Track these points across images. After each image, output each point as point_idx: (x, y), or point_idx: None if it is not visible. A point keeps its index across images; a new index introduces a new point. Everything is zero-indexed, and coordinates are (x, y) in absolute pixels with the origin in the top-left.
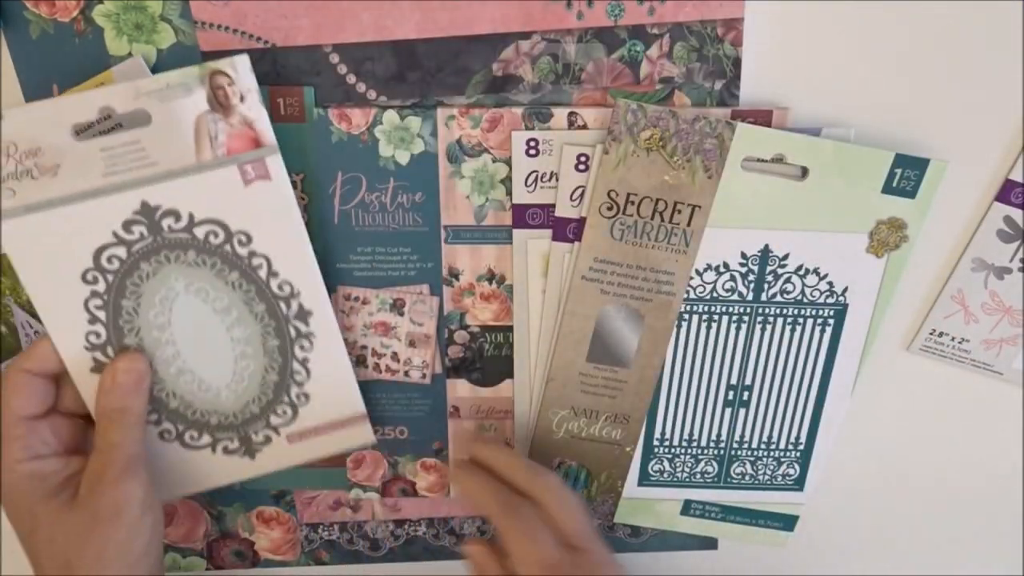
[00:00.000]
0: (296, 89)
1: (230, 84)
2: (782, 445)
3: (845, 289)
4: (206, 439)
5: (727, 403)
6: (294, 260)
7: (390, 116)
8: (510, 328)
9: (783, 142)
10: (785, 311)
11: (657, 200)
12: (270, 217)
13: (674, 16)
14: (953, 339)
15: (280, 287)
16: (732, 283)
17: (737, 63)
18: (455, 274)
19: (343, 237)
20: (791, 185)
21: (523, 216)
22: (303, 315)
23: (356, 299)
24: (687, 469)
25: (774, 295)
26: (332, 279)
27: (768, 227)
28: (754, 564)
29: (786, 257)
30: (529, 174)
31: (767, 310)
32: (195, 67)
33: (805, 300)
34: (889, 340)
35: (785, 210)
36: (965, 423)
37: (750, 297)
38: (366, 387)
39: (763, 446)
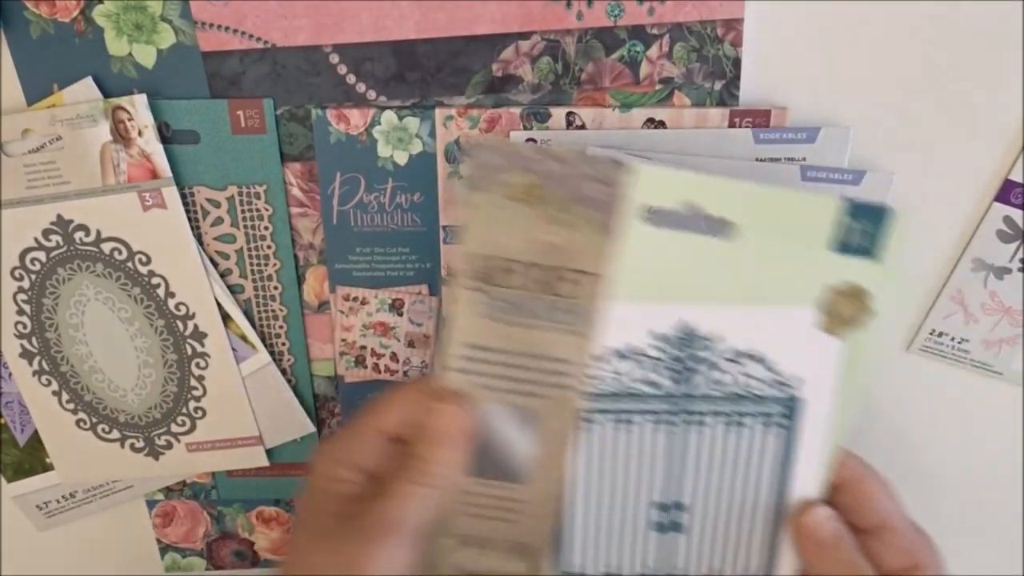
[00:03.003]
0: (255, 101)
1: (129, 119)
2: (732, 573)
3: (797, 379)
4: (116, 434)
5: (655, 526)
6: (189, 284)
7: (388, 117)
8: None
9: (696, 187)
10: (721, 409)
11: (538, 267)
12: (166, 242)
13: (674, 16)
14: (953, 339)
15: (177, 307)
16: (648, 373)
17: (737, 63)
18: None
19: (342, 237)
20: (713, 244)
21: None
22: (198, 336)
23: (355, 299)
24: None
25: (704, 388)
26: (331, 279)
27: (688, 299)
28: None
29: (715, 339)
30: None
31: (697, 407)
32: (101, 101)
33: (746, 394)
34: (889, 340)
35: (709, 277)
36: (965, 423)
37: (673, 391)
38: (366, 387)
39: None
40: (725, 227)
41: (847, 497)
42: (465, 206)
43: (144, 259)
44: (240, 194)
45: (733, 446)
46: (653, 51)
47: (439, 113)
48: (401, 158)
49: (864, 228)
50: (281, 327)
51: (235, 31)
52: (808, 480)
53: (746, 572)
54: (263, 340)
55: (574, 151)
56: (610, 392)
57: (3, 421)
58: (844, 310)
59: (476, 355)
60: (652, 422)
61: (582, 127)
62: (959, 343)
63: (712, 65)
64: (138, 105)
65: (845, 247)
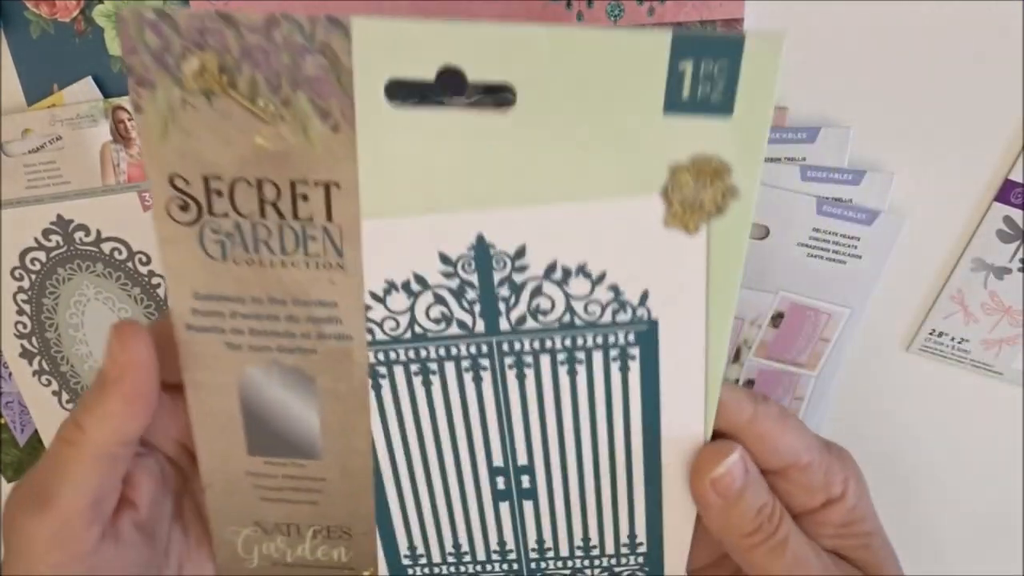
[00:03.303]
0: None
1: (129, 119)
2: (609, 549)
3: (644, 295)
4: None
5: (499, 495)
6: None
7: None
8: None
9: (449, 42)
10: (549, 344)
11: (249, 182)
12: None
13: (674, 16)
14: (953, 339)
15: None
16: (443, 308)
17: None
18: None
19: None
20: (494, 123)
21: None
22: None
23: None
24: None
25: (522, 320)
26: None
27: (481, 205)
28: None
29: (522, 253)
30: None
31: (517, 346)
32: (101, 101)
33: (578, 322)
34: (889, 340)
35: (501, 170)
36: (965, 423)
37: (481, 328)
38: None
39: (580, 551)
40: (504, 96)
41: (742, 444)
42: (135, 112)
43: (144, 259)
44: None
45: (574, 389)
46: None
47: None
48: None
49: (706, 72)
50: None
51: None
52: (684, 420)
53: (631, 541)
54: None
55: (269, 14)
56: (400, 338)
57: (3, 421)
58: (698, 194)
59: (208, 307)
60: (465, 370)
61: None
62: (959, 343)
63: None
64: None
65: (683, 105)
